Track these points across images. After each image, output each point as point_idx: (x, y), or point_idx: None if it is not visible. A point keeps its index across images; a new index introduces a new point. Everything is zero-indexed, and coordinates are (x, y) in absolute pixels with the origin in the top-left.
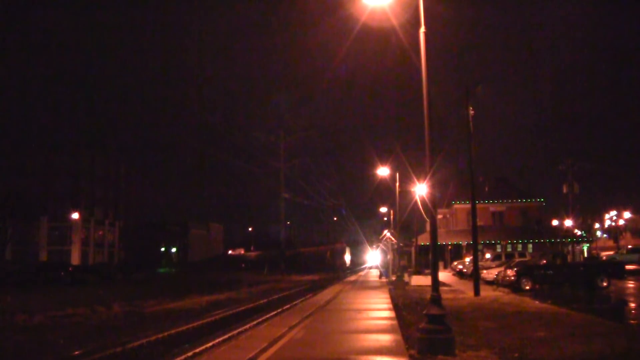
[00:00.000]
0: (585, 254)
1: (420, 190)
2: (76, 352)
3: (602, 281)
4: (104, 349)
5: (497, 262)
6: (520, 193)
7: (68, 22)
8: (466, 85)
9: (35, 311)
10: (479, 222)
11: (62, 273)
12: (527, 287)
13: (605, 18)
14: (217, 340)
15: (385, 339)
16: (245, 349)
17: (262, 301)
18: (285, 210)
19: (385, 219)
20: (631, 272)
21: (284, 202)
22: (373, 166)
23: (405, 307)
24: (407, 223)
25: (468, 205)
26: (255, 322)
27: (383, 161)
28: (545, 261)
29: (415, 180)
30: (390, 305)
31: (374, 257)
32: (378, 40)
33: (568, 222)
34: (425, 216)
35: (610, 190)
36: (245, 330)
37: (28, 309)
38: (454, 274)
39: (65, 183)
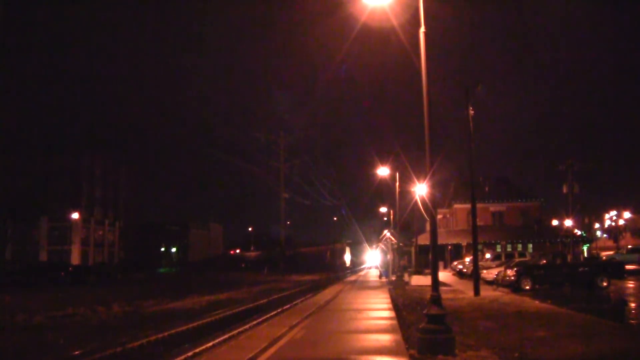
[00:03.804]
0: (585, 254)
1: (420, 190)
2: (76, 352)
3: (602, 281)
4: (104, 349)
5: (497, 262)
6: (520, 193)
7: (68, 22)
8: (466, 85)
9: (35, 311)
10: (479, 222)
11: (62, 273)
12: (527, 287)
13: (606, 18)
14: (217, 340)
15: (386, 339)
16: (246, 349)
17: (262, 301)
18: (285, 210)
19: (385, 219)
20: (631, 272)
21: (284, 202)
22: (373, 166)
23: (405, 307)
24: (407, 223)
25: (468, 205)
26: (255, 322)
27: (383, 161)
28: (545, 261)
29: (415, 180)
30: (390, 305)
31: (374, 257)
32: (378, 40)
33: (568, 222)
34: (425, 216)
35: (610, 190)
36: (245, 330)
37: (28, 309)
38: (454, 274)
39: (65, 183)
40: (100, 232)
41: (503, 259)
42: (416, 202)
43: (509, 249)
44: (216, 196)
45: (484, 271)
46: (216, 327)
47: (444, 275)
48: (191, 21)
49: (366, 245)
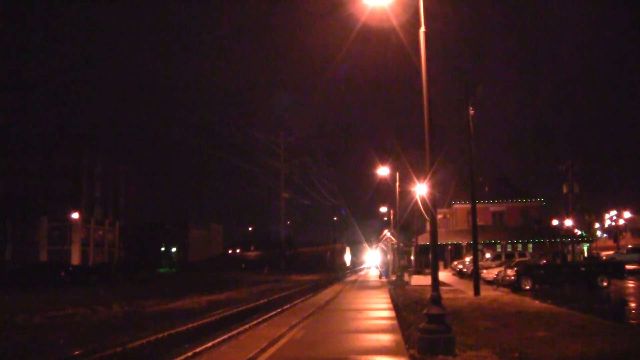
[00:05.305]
0: (586, 254)
1: (420, 190)
2: (76, 352)
3: (602, 281)
4: (104, 349)
5: (497, 262)
6: (520, 193)
7: (68, 22)
8: (466, 85)
9: (35, 311)
10: (479, 222)
11: (63, 273)
12: (527, 287)
13: (606, 18)
14: (217, 340)
15: (386, 338)
16: (246, 349)
17: (262, 301)
18: (285, 210)
19: (385, 219)
20: (631, 272)
21: (284, 202)
22: (373, 166)
23: (405, 307)
24: (407, 223)
25: (468, 205)
26: (255, 322)
27: (383, 161)
28: (545, 261)
29: (415, 180)
30: (391, 305)
31: (374, 257)
32: (378, 40)
33: (568, 222)
34: (425, 216)
35: (610, 190)
36: (246, 330)
37: (28, 309)
38: (454, 274)
39: (65, 183)
40: (100, 232)
41: (503, 259)
42: (416, 202)
43: (509, 249)
44: (216, 196)
45: (484, 271)
46: (216, 327)
47: (444, 275)
48: (191, 21)
49: (366, 245)
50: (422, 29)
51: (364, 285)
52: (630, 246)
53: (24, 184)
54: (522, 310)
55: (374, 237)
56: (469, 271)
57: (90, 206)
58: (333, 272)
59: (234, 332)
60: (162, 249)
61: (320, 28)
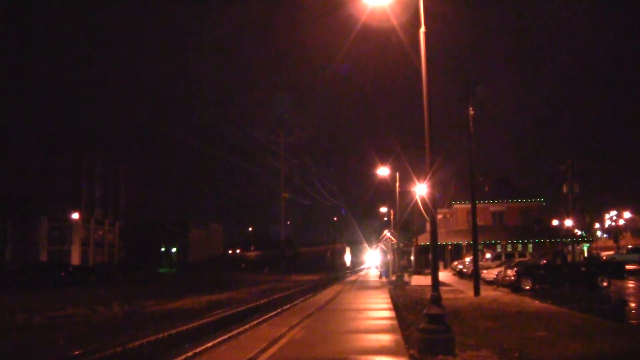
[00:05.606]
0: (586, 254)
1: (420, 190)
2: (76, 352)
3: (602, 281)
4: (104, 349)
5: (497, 262)
6: (520, 193)
7: (68, 22)
8: (466, 84)
9: (35, 311)
10: (479, 222)
11: (63, 273)
12: (527, 287)
13: (606, 18)
14: (217, 340)
15: (386, 338)
16: (246, 349)
17: (262, 301)
18: (285, 210)
19: (385, 219)
20: (631, 272)
21: (284, 202)
22: (373, 166)
23: (405, 307)
24: (407, 223)
25: (468, 205)
26: (255, 322)
27: (383, 161)
28: (545, 261)
29: (415, 180)
30: (391, 305)
31: (373, 257)
32: (378, 40)
33: (568, 222)
34: (425, 216)
35: (610, 190)
36: (246, 330)
37: (28, 309)
38: (454, 274)
39: (65, 183)
40: (100, 232)
41: (503, 259)
42: (416, 202)
43: (509, 249)
44: (216, 196)
45: (484, 271)
46: (216, 327)
47: (444, 275)
48: (191, 21)
49: (366, 245)
50: (422, 29)
51: (364, 286)
52: (630, 246)
53: (24, 184)
54: (522, 310)
55: (374, 237)
56: (469, 271)
57: (90, 206)
58: (333, 272)
59: (234, 332)
60: (162, 249)
61: (320, 28)
